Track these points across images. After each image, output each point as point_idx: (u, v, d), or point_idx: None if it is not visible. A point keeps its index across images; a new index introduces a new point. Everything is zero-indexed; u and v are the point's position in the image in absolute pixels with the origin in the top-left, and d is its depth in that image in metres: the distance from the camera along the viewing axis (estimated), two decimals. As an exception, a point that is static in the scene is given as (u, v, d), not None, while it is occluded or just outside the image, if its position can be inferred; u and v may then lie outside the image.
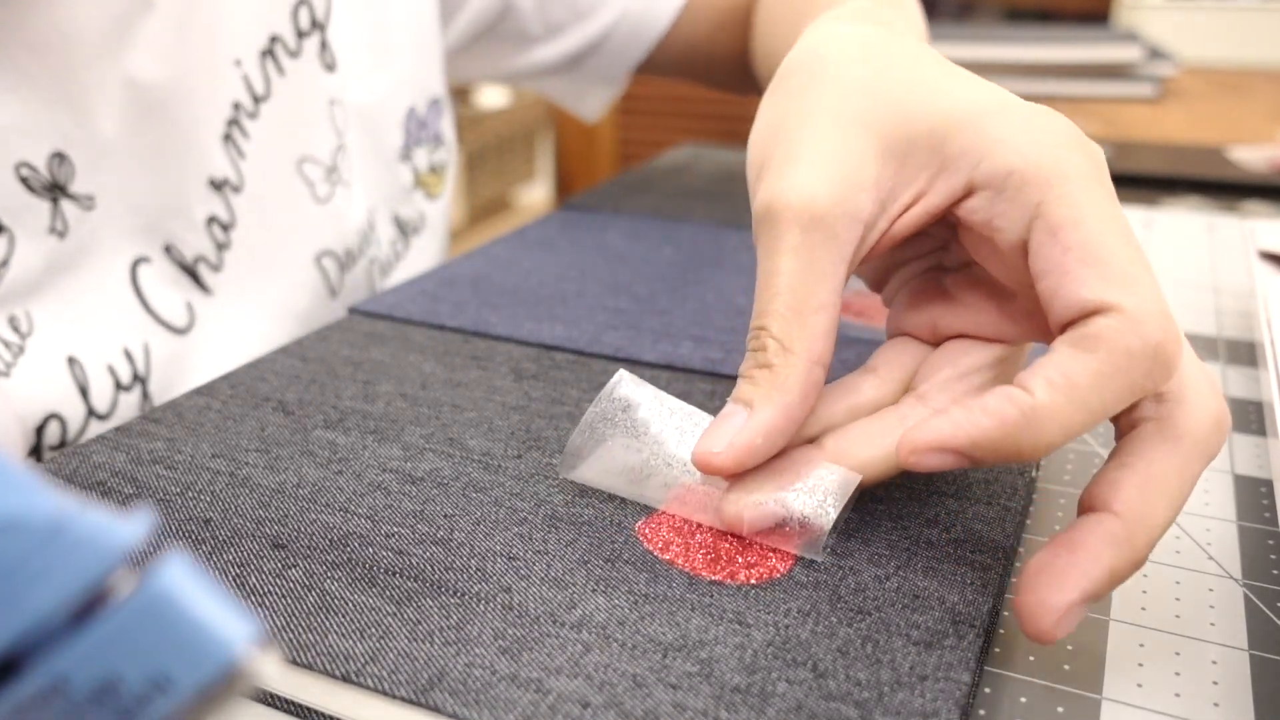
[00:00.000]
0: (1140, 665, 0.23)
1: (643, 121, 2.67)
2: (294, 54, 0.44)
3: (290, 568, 0.24)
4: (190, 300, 0.41)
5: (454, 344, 0.37)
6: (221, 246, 0.42)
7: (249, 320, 0.43)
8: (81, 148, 0.37)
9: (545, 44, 0.59)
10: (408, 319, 0.39)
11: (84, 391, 0.37)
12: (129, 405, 0.38)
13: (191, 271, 0.41)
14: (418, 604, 0.23)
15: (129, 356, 0.39)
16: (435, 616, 0.22)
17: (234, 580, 0.24)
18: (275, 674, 0.12)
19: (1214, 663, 0.23)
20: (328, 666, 0.21)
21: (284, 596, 0.23)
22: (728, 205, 0.55)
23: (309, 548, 0.25)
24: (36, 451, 0.36)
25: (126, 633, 0.12)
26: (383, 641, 0.22)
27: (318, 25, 0.45)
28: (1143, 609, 0.25)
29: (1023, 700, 0.22)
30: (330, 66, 0.46)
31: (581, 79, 0.62)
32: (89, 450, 0.29)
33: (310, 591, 0.23)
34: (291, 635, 0.22)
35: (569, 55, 0.59)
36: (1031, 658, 0.24)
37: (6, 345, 0.35)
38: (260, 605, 0.23)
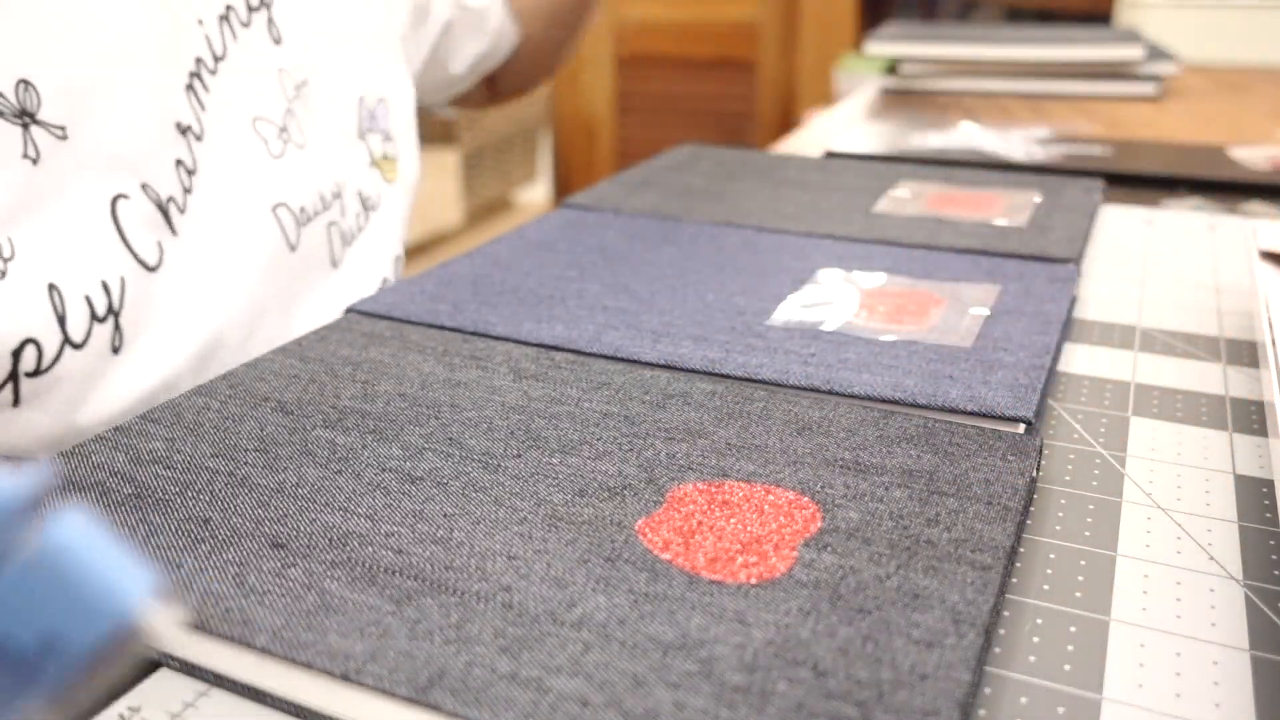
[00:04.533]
0: (1141, 665, 0.23)
1: (643, 121, 2.67)
2: (245, 24, 0.48)
3: (290, 567, 0.24)
4: (161, 240, 0.43)
5: (453, 344, 0.37)
6: (186, 190, 0.44)
7: (210, 265, 0.45)
8: (47, 79, 0.38)
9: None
10: (407, 319, 0.39)
11: (61, 320, 0.38)
12: (102, 336, 0.40)
13: (164, 211, 0.43)
14: (417, 603, 0.23)
15: (106, 289, 0.40)
16: (435, 615, 0.22)
17: (233, 579, 0.24)
18: (177, 633, 0.12)
19: (1215, 663, 0.23)
20: (327, 665, 0.21)
21: (283, 595, 0.23)
22: (728, 205, 0.55)
23: (308, 547, 0.25)
24: (14, 379, 0.37)
25: (18, 590, 0.11)
26: (382, 640, 0.22)
27: (264, 3, 0.49)
28: (1143, 609, 0.25)
29: (1023, 700, 0.22)
30: (278, 40, 0.50)
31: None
32: (88, 451, 0.29)
33: (310, 590, 0.23)
34: (291, 634, 0.22)
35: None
36: (1032, 658, 0.23)
37: None
38: (260, 604, 0.23)
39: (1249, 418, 0.35)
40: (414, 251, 2.34)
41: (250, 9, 0.48)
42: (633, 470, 0.28)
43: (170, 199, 0.43)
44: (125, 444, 0.30)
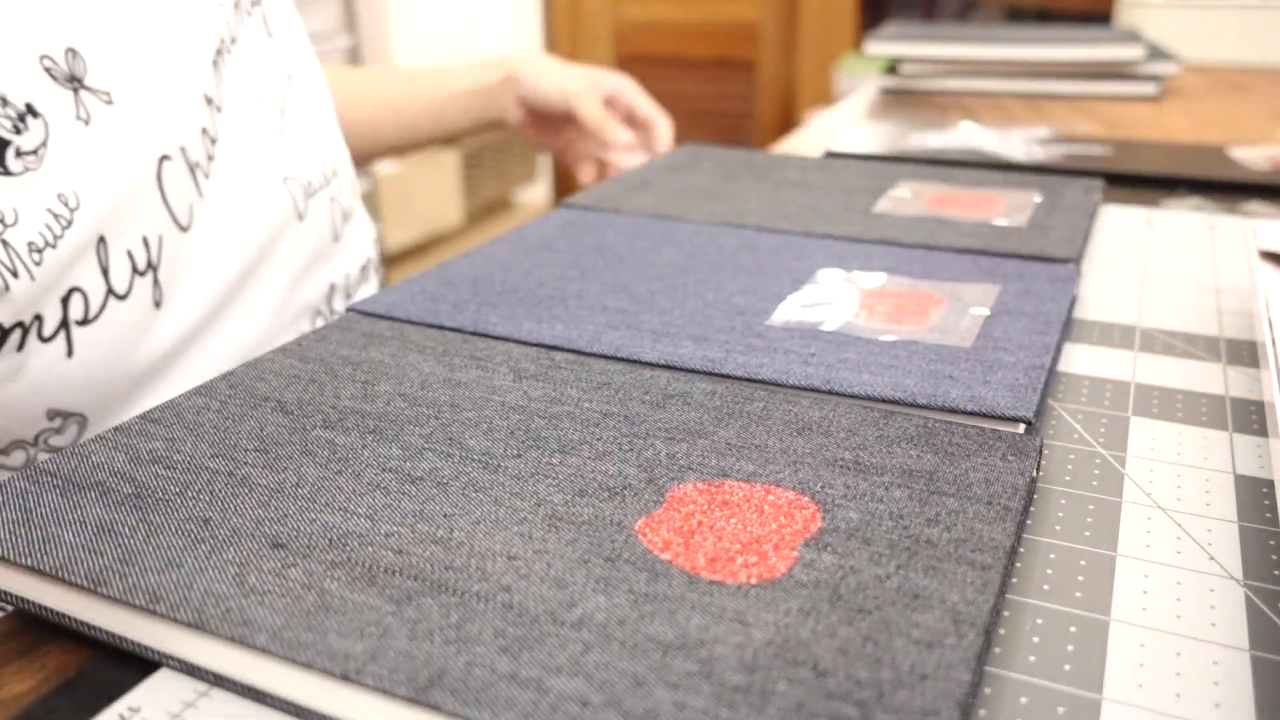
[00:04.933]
0: (1141, 665, 0.23)
1: (643, 121, 2.67)
2: (249, 14, 0.51)
3: (290, 567, 0.24)
4: (192, 202, 0.45)
5: (453, 344, 0.37)
6: (210, 158, 0.47)
7: (229, 227, 0.47)
8: (92, 45, 0.41)
9: None
10: (407, 319, 0.39)
11: (105, 271, 0.41)
12: (143, 288, 0.42)
13: (193, 174, 0.45)
14: (417, 603, 0.23)
15: (146, 244, 0.43)
16: (435, 616, 0.22)
17: (233, 579, 0.24)
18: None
19: (1215, 663, 0.23)
20: (327, 665, 0.21)
21: (283, 596, 0.23)
22: (728, 205, 0.55)
23: (308, 547, 0.25)
24: (65, 327, 0.39)
25: None
26: (382, 640, 0.22)
27: (257, 1, 0.52)
28: (1143, 609, 0.25)
29: (1023, 700, 0.22)
30: (270, 35, 0.53)
31: None
32: (88, 450, 0.29)
33: (310, 591, 0.23)
34: (291, 634, 0.22)
35: None
36: (1032, 658, 0.23)
37: (56, 218, 0.39)
38: (260, 604, 0.23)
39: (1249, 418, 0.35)
40: (414, 251, 2.34)
41: (252, 2, 0.51)
42: (633, 470, 0.28)
43: (197, 164, 0.46)
44: (125, 444, 0.30)
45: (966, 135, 0.76)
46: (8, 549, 0.25)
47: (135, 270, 0.42)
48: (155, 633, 0.23)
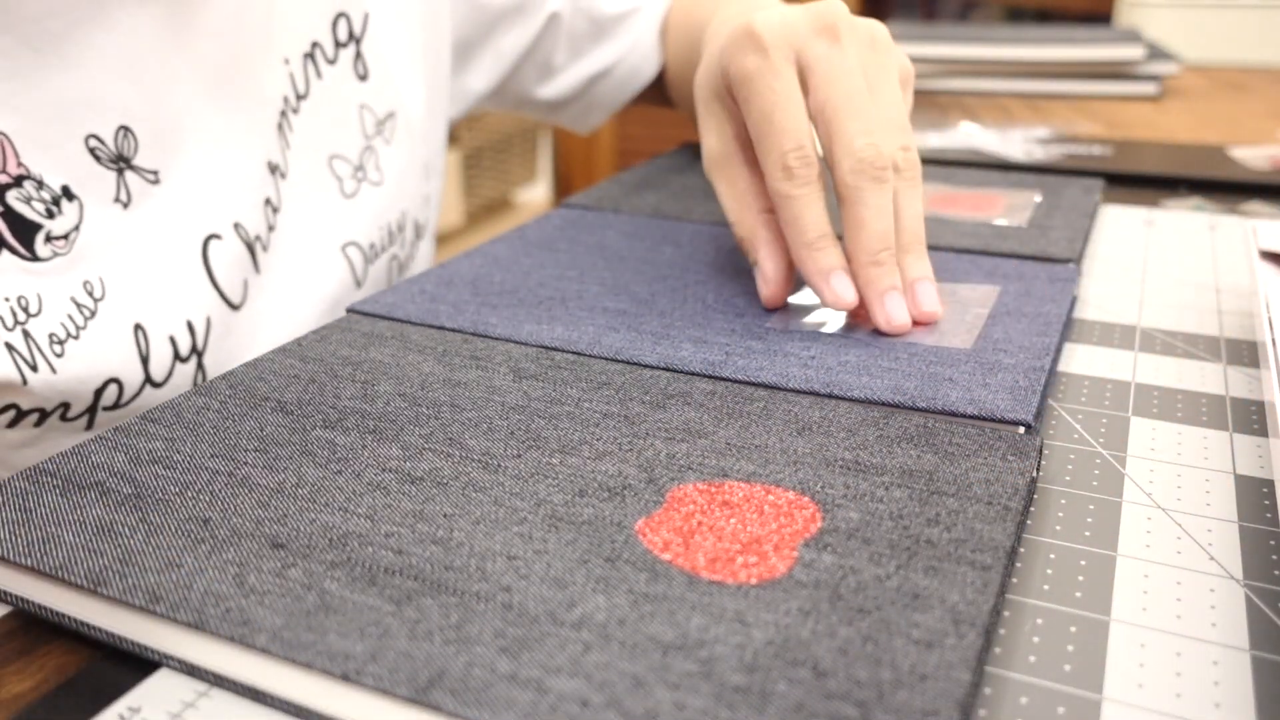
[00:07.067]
0: (1141, 665, 0.23)
1: (643, 121, 2.67)
2: (331, 61, 0.48)
3: (289, 567, 0.24)
4: (247, 278, 0.44)
5: (453, 344, 0.37)
6: (271, 228, 0.45)
7: (286, 301, 0.46)
8: (147, 123, 0.39)
9: (564, 72, 0.66)
10: (406, 319, 0.39)
11: (144, 360, 0.39)
12: (184, 375, 0.41)
13: (251, 250, 0.44)
14: (417, 603, 0.23)
15: (191, 329, 0.41)
16: (435, 616, 0.22)
17: (233, 579, 0.24)
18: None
19: (1215, 663, 0.23)
20: (327, 665, 0.21)
21: (283, 596, 0.23)
22: (728, 205, 0.55)
23: (308, 547, 0.25)
24: (92, 411, 0.38)
25: None
26: (382, 641, 0.22)
27: (354, 38, 0.49)
28: (1144, 609, 0.25)
29: (1023, 700, 0.22)
30: (363, 76, 0.50)
31: (587, 105, 0.69)
32: (88, 450, 0.29)
33: (309, 591, 0.23)
34: (291, 634, 0.22)
35: (583, 80, 0.66)
36: (1032, 658, 0.23)
37: (79, 308, 0.37)
38: (260, 604, 0.23)
39: (1249, 418, 0.35)
40: (414, 251, 2.33)
41: (338, 45, 0.48)
42: (633, 470, 0.28)
43: (258, 237, 0.44)
44: (125, 444, 0.30)
45: (966, 135, 0.76)
46: (8, 549, 0.25)
47: (177, 357, 0.40)
48: (155, 633, 0.23)
